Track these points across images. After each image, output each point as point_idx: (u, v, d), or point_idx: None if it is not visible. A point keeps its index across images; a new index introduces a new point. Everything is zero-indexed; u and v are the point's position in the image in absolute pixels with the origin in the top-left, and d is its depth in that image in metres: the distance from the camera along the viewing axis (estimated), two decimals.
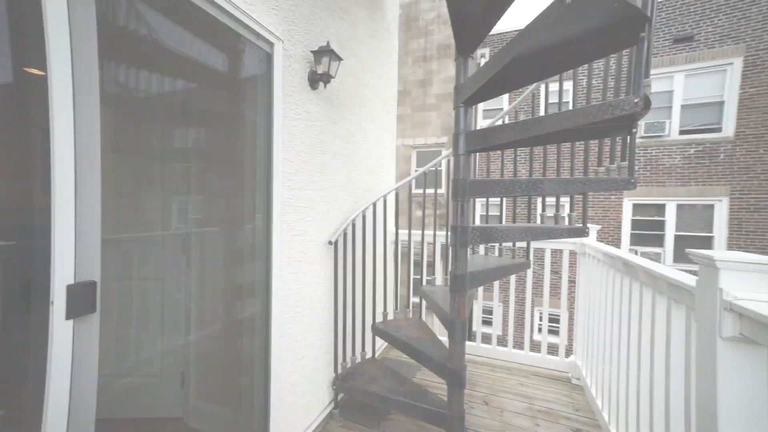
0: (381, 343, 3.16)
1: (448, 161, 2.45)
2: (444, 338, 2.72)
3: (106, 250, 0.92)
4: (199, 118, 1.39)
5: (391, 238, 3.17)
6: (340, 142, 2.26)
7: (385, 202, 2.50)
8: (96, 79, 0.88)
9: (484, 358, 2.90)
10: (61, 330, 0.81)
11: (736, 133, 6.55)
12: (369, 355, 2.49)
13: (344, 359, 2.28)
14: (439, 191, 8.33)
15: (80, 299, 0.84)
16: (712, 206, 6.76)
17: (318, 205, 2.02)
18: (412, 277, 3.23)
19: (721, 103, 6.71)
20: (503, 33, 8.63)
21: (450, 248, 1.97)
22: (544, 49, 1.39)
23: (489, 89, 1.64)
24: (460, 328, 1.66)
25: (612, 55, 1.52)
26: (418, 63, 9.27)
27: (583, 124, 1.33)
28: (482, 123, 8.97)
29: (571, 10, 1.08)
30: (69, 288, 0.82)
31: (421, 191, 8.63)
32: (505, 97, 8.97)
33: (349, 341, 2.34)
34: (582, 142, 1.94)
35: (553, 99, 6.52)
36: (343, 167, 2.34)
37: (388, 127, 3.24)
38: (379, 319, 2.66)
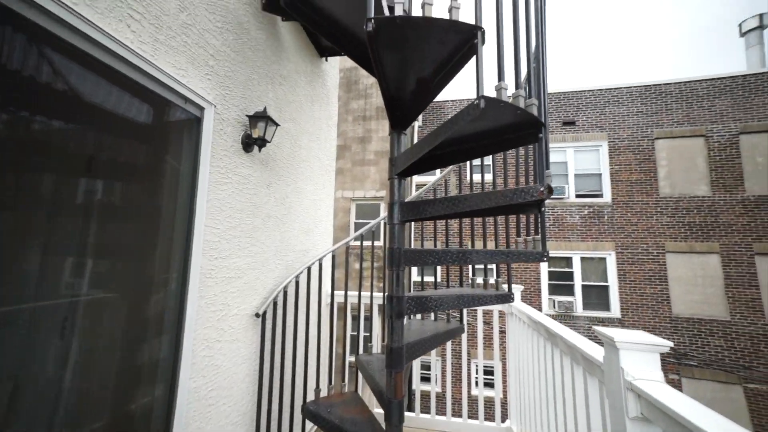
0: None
1: (385, 225, 2.51)
2: (382, 411, 2.53)
3: None
4: (109, 177, 1.21)
5: (327, 300, 3.02)
6: (273, 203, 2.18)
7: (320, 265, 2.40)
8: None
9: (424, 430, 2.75)
10: None
11: (612, 199, 8.08)
12: None
13: None
14: (377, 243, 8.42)
15: None
16: (604, 259, 7.97)
17: (245, 274, 1.85)
18: (349, 335, 3.07)
19: (600, 175, 8.31)
20: (437, 101, 9.77)
21: (386, 319, 1.92)
22: (467, 137, 1.57)
23: (421, 166, 1.77)
24: (397, 409, 1.55)
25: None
26: (358, 121, 9.86)
27: (502, 204, 1.48)
28: (418, 179, 9.63)
29: (485, 112, 1.25)
30: None
31: (359, 243, 8.65)
32: None
33: (274, 429, 2.03)
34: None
35: (476, 162, 7.35)
36: (277, 229, 2.23)
37: (326, 186, 3.26)
38: (311, 396, 2.40)
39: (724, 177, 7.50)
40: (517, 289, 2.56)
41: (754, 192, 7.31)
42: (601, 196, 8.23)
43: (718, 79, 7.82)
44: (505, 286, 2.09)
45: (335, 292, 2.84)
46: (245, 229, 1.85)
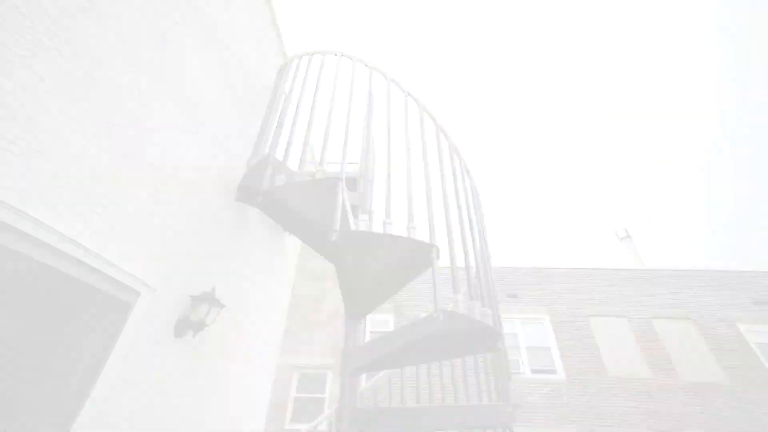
0: None
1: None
2: None
3: None
4: None
5: None
6: (191, 401, 1.74)
7: None
8: None
9: None
10: None
11: (566, 376, 7.83)
12: None
13: None
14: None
15: None
16: None
17: None
18: None
19: (549, 348, 8.37)
20: None
21: None
22: (425, 338, 1.51)
23: (376, 366, 1.61)
24: None
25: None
26: (312, 280, 9.78)
27: (468, 424, 1.30)
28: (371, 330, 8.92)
29: (445, 323, 1.25)
30: None
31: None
32: (391, 320, 9.46)
33: None
34: None
35: None
36: None
37: (265, 369, 2.80)
38: None
39: (656, 360, 7.53)
40: None
41: (687, 378, 7.22)
42: (555, 372, 8.03)
43: (619, 270, 9.44)
44: None
45: None
46: None
